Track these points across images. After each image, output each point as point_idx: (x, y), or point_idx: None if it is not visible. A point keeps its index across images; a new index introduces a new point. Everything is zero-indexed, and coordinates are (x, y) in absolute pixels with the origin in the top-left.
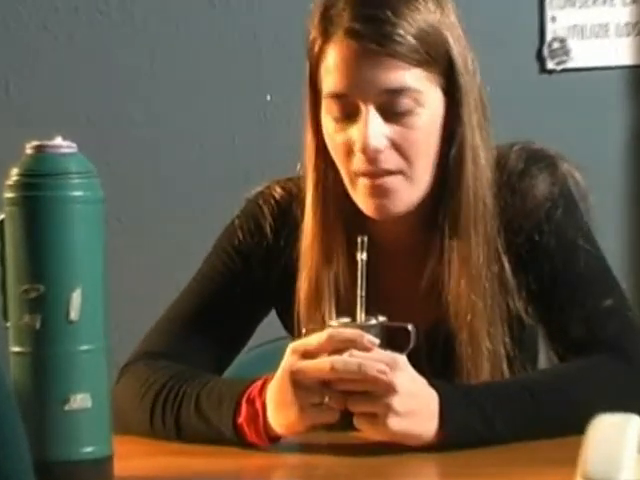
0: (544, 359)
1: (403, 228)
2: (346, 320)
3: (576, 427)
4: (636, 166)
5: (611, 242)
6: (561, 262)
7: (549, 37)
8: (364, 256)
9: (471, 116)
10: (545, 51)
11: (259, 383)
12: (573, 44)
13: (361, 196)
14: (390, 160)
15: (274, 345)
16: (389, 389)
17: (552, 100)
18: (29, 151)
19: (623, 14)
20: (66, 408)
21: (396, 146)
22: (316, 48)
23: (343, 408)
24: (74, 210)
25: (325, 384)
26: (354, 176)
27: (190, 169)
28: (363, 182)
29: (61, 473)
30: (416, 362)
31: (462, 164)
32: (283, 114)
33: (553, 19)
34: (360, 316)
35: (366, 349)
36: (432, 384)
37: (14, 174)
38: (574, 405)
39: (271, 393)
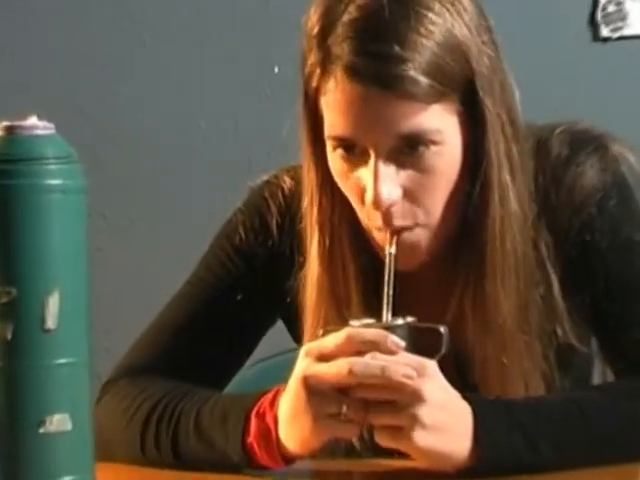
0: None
1: (427, 275)
2: (369, 321)
3: (634, 451)
4: None
5: None
6: (616, 265)
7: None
8: (393, 250)
9: (498, 146)
10: (598, 16)
11: (270, 395)
12: (631, 7)
13: (379, 249)
14: (405, 214)
15: (281, 359)
16: (416, 397)
17: (606, 72)
18: None
19: None
20: (41, 431)
21: (411, 194)
22: (314, 81)
23: (363, 421)
24: (51, 201)
25: (343, 391)
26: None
27: (186, 155)
28: (379, 235)
29: None
30: (447, 372)
31: (486, 206)
32: (293, 89)
33: None
34: (386, 316)
35: (390, 352)
36: (465, 397)
37: None
38: (631, 425)
39: (283, 404)
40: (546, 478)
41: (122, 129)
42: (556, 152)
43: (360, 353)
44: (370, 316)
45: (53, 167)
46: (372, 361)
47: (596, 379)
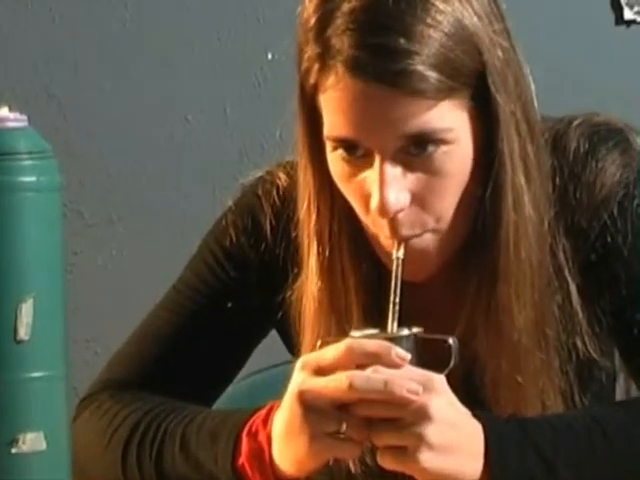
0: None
1: (435, 286)
2: (372, 331)
3: None
4: None
5: None
6: None
7: None
8: (400, 254)
9: (512, 145)
10: None
11: (263, 412)
12: None
13: (384, 257)
14: (414, 220)
15: (277, 371)
16: (422, 415)
17: (630, 57)
18: None
19: None
20: (14, 451)
21: (420, 199)
22: (312, 77)
23: (364, 440)
24: (24, 200)
25: (343, 408)
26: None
27: (172, 149)
28: (386, 241)
29: None
30: (455, 390)
31: (498, 211)
32: (288, 77)
33: None
34: (391, 326)
35: (394, 365)
36: (476, 415)
37: None
38: None
39: (278, 421)
40: None
41: (101, 121)
42: (574, 147)
43: (361, 366)
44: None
45: (26, 163)
46: (374, 375)
47: (619, 395)
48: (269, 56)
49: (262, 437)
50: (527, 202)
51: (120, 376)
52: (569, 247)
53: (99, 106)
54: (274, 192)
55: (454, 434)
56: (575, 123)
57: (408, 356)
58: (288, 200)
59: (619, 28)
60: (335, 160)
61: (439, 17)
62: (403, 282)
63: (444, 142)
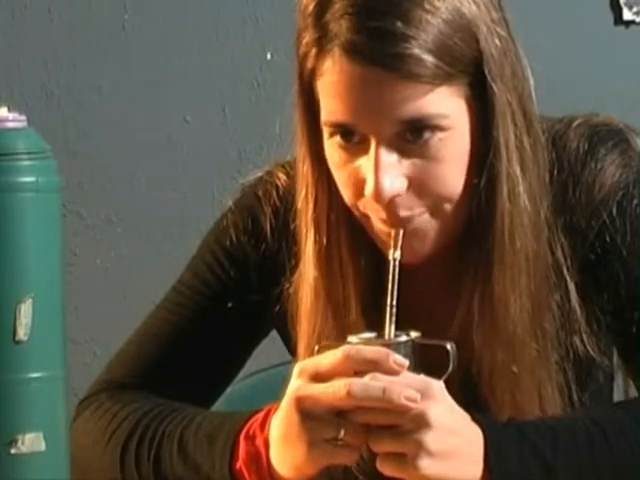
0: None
1: (432, 276)
2: (370, 335)
3: None
4: None
5: None
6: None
7: None
8: (397, 255)
9: (507, 135)
10: None
11: (261, 415)
12: None
13: (379, 239)
14: (410, 204)
15: (275, 372)
16: (420, 422)
17: (629, 57)
18: None
19: None
20: (13, 451)
21: (417, 185)
22: (310, 62)
23: (362, 446)
24: (23, 200)
25: (341, 414)
26: (367, 216)
27: (170, 150)
28: (380, 228)
29: None
30: (454, 392)
31: (493, 199)
32: (286, 77)
33: None
34: (389, 330)
35: (392, 372)
36: (475, 419)
37: None
38: None
39: (275, 425)
40: None
41: (100, 121)
42: (574, 147)
43: (359, 373)
44: (369, 322)
45: (25, 163)
46: (372, 382)
47: (617, 394)
48: (268, 57)
49: (259, 441)
50: (522, 192)
51: (120, 376)
52: (567, 246)
53: (98, 107)
54: (274, 192)
55: (453, 440)
56: (575, 123)
57: (406, 363)
58: (288, 200)
59: (618, 28)
60: (332, 147)
61: (437, 3)
62: (402, 271)
63: (440, 128)
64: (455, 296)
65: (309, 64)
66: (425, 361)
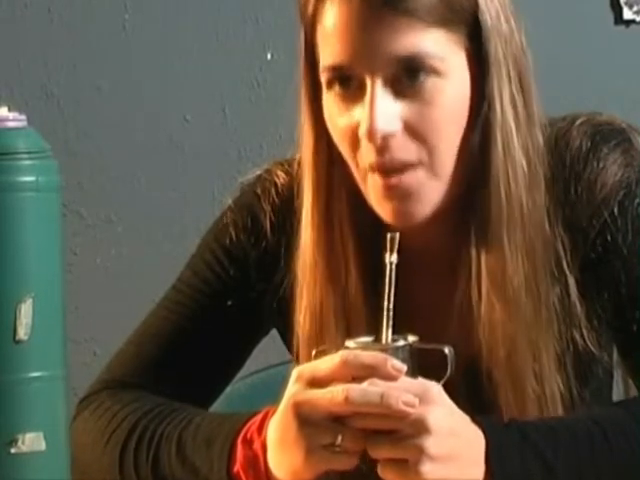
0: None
1: (430, 235)
2: (367, 339)
3: None
4: None
5: None
6: None
7: None
8: (394, 258)
9: (502, 91)
10: None
11: (258, 418)
12: None
13: (375, 199)
14: (405, 148)
15: (275, 372)
16: (420, 427)
17: (629, 56)
18: None
19: None
20: (13, 451)
21: (412, 129)
22: (310, 8)
23: (361, 450)
24: (23, 200)
25: (338, 420)
26: (364, 172)
27: (171, 149)
28: (376, 180)
29: None
30: (455, 396)
31: (488, 151)
32: (286, 77)
33: None
34: (386, 335)
35: (390, 378)
36: (476, 420)
37: None
38: None
39: (273, 430)
40: None
41: (100, 121)
42: (576, 145)
43: (357, 378)
44: (368, 288)
45: (25, 163)
46: (370, 388)
47: (616, 393)
48: (268, 56)
49: (257, 445)
50: (516, 147)
51: (120, 376)
52: (568, 242)
53: (98, 106)
54: (273, 190)
55: (454, 443)
56: (578, 122)
57: (404, 368)
58: (287, 198)
59: (618, 28)
60: (330, 101)
61: None
62: (416, 230)
63: (435, 71)
64: (455, 255)
65: (310, 10)
66: (424, 361)
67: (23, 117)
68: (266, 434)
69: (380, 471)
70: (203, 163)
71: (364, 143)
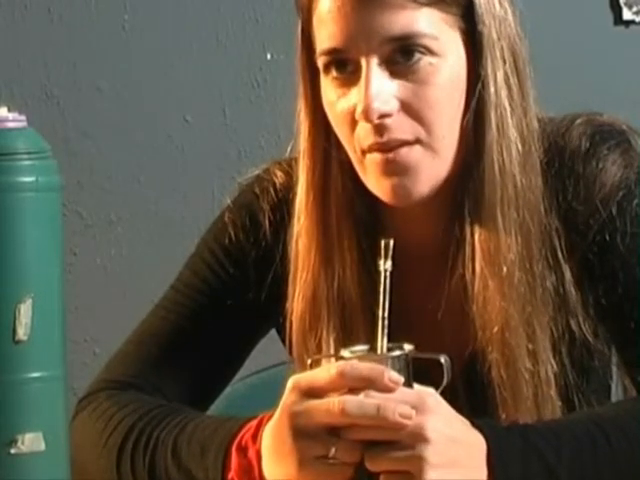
0: (619, 392)
1: (429, 221)
2: (362, 348)
3: None
4: None
5: None
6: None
7: None
8: (388, 265)
9: (496, 71)
10: None
11: (253, 425)
12: None
13: (372, 177)
14: (402, 127)
15: (274, 372)
16: (418, 437)
17: (628, 57)
18: None
19: None
20: (13, 451)
21: (409, 108)
22: None
23: (356, 462)
24: (23, 200)
25: (333, 431)
26: (362, 154)
27: (170, 149)
28: (374, 158)
29: None
30: (453, 399)
31: (482, 131)
32: (285, 77)
33: None
34: (381, 344)
35: (387, 390)
36: (476, 425)
37: None
38: None
39: (267, 439)
40: None
41: (100, 121)
42: (575, 145)
43: (353, 390)
44: (364, 281)
45: (25, 163)
46: (367, 400)
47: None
48: (268, 56)
49: (252, 453)
50: (510, 126)
51: (118, 376)
52: (565, 238)
53: (98, 106)
54: (271, 190)
55: (454, 449)
56: (578, 122)
57: (401, 379)
58: (286, 197)
59: (618, 28)
60: (327, 86)
61: None
62: (413, 214)
63: (430, 51)
64: (450, 234)
65: None
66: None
67: (23, 117)
68: (260, 443)
69: None
70: (203, 163)
71: (361, 125)
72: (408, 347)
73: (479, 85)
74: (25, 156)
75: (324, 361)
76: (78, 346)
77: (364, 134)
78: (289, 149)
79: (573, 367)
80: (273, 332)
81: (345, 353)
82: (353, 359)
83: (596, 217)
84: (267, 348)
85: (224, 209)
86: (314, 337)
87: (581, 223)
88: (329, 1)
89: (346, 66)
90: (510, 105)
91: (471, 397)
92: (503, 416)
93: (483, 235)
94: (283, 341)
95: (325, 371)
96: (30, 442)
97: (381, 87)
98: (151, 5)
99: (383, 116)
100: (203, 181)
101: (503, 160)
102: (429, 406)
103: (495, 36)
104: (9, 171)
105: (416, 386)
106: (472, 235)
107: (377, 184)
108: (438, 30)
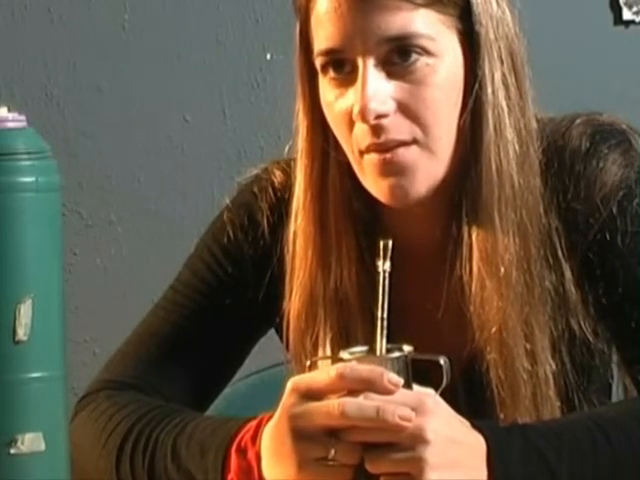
0: (620, 391)
1: (426, 221)
2: (361, 349)
3: None
4: None
5: None
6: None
7: None
8: (387, 266)
9: (493, 72)
10: None
11: (252, 426)
12: None
13: (370, 177)
14: (399, 127)
15: (274, 372)
16: (418, 439)
17: (629, 57)
18: None
19: None
20: (12, 451)
21: (406, 109)
22: None
23: (355, 464)
24: (23, 200)
25: (333, 433)
26: (359, 154)
27: (171, 149)
28: (372, 158)
29: None
30: (453, 400)
31: (480, 131)
32: (285, 77)
33: None
34: (380, 345)
35: (387, 392)
36: (476, 426)
37: None
38: None
39: (267, 441)
40: None
41: (99, 121)
42: (575, 144)
43: (353, 392)
44: (362, 279)
45: (25, 163)
46: (366, 402)
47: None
48: (268, 57)
49: (251, 455)
50: (508, 125)
51: (118, 376)
52: (565, 237)
53: (98, 107)
54: (270, 189)
55: (454, 450)
56: (578, 121)
57: (401, 381)
58: (284, 196)
59: (618, 28)
60: (326, 88)
61: None
62: (411, 215)
63: (427, 52)
64: (448, 234)
65: None
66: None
67: (23, 117)
68: (260, 444)
69: None
70: (203, 163)
71: (358, 125)
72: (407, 348)
73: (476, 85)
74: (25, 156)
75: (323, 362)
76: (78, 346)
77: (361, 135)
78: (287, 149)
79: (573, 366)
80: (273, 332)
81: (344, 354)
82: (352, 360)
83: (596, 216)
84: (267, 348)
85: (223, 209)
86: (311, 337)
87: (581, 222)
88: (326, 2)
89: (343, 66)
90: (508, 105)
91: (471, 398)
92: (502, 416)
93: (480, 235)
94: (282, 341)
95: (324, 373)
96: (30, 442)
97: (378, 88)
98: (151, 5)
99: (380, 117)
100: (203, 181)
101: (500, 160)
102: (429, 407)
103: (492, 36)
104: (9, 171)
105: (415, 387)
106: (469, 235)
107: (375, 184)
108: (435, 31)
